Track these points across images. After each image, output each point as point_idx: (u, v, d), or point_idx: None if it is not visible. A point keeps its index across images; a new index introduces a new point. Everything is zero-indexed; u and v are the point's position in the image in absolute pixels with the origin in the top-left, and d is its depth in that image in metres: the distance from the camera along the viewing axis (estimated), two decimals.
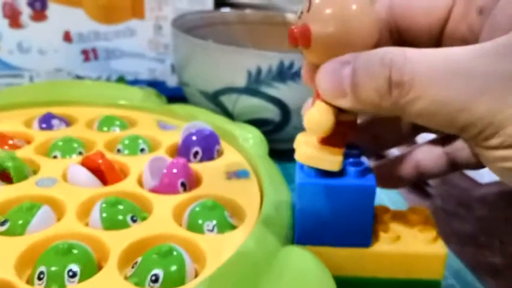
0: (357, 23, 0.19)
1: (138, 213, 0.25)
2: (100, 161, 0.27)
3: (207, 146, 0.31)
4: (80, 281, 0.20)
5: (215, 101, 0.39)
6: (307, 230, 0.22)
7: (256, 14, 0.51)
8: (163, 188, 0.26)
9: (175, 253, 0.21)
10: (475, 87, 0.16)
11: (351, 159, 0.22)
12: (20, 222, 0.23)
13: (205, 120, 0.36)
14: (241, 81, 0.37)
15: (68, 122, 0.36)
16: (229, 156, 0.31)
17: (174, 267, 0.20)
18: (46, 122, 0.34)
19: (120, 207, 0.24)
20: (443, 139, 0.25)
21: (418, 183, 0.39)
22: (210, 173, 0.29)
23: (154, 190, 0.27)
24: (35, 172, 0.28)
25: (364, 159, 0.23)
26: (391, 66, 0.17)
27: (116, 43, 0.50)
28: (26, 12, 0.47)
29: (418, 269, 0.22)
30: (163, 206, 0.25)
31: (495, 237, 0.34)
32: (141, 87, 0.43)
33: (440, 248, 0.22)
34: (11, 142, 0.31)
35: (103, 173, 0.27)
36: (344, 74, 0.18)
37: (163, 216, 0.24)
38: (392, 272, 0.22)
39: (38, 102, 0.37)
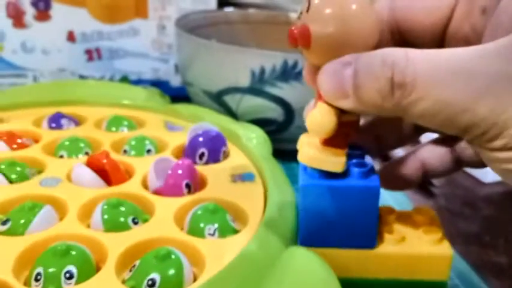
0: (357, 23, 0.18)
1: (140, 215, 0.25)
2: (105, 160, 0.27)
3: (213, 148, 0.30)
4: (77, 282, 0.20)
5: (219, 100, 0.39)
6: (311, 231, 0.22)
7: (259, 14, 0.51)
8: (168, 188, 0.26)
9: (173, 257, 0.20)
10: (477, 88, 0.16)
11: (354, 160, 0.22)
12: (21, 221, 0.23)
13: (209, 120, 0.36)
14: (244, 81, 0.37)
15: (77, 121, 0.36)
16: (235, 158, 0.31)
17: (171, 272, 0.20)
18: (55, 121, 0.35)
19: (122, 209, 0.24)
20: (448, 137, 0.25)
21: (422, 183, 0.39)
22: (215, 176, 0.28)
23: (159, 191, 0.27)
24: (40, 172, 0.28)
25: (367, 159, 0.23)
26: (393, 67, 0.17)
27: (119, 43, 0.50)
28: (29, 12, 0.47)
29: (424, 270, 0.22)
30: (165, 208, 0.25)
31: (500, 236, 0.33)
32: (145, 87, 0.43)
33: (446, 248, 0.22)
34: (19, 141, 0.31)
35: (107, 173, 0.27)
36: (346, 75, 0.18)
37: (164, 219, 0.24)
38: (397, 273, 0.22)
39: (42, 102, 0.37)
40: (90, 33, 0.49)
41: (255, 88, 0.37)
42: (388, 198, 0.36)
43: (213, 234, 0.23)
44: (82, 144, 0.31)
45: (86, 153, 0.31)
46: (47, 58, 0.48)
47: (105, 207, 0.24)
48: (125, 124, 0.35)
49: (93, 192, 0.26)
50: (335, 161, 0.20)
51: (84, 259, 0.21)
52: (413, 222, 0.23)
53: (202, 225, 0.23)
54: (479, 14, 0.20)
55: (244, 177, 0.28)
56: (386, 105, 0.17)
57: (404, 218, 0.24)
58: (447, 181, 0.41)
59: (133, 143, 0.32)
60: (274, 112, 0.38)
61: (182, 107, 0.38)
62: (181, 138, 0.32)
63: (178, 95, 0.46)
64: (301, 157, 0.20)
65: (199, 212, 0.24)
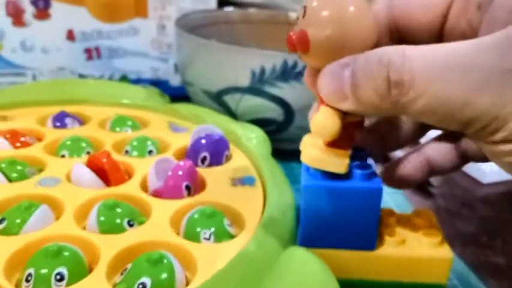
0: (354, 24, 0.19)
1: (136, 217, 0.24)
2: (104, 160, 0.27)
3: (215, 151, 0.30)
4: (68, 285, 0.20)
5: (218, 100, 0.39)
6: (312, 232, 0.22)
7: (259, 13, 0.51)
8: (168, 189, 0.26)
9: (165, 261, 0.20)
10: (474, 82, 0.16)
11: (357, 162, 0.22)
12: (17, 221, 0.23)
13: (208, 119, 0.36)
14: (244, 81, 0.37)
15: (81, 121, 0.36)
16: (236, 161, 0.31)
17: (162, 276, 0.20)
18: (60, 120, 0.35)
19: (118, 210, 0.24)
20: (451, 133, 0.25)
21: (420, 183, 0.39)
22: (215, 179, 0.28)
23: (158, 191, 0.26)
24: (41, 171, 0.28)
25: (370, 161, 0.23)
26: (389, 65, 0.17)
27: (119, 42, 0.50)
28: (29, 10, 0.47)
29: (423, 273, 0.22)
30: (162, 211, 0.25)
31: (498, 237, 0.34)
32: (144, 87, 0.43)
33: (446, 252, 0.22)
34: (22, 139, 0.31)
35: (106, 172, 0.27)
36: (344, 76, 0.18)
37: (160, 222, 0.24)
38: (397, 276, 0.22)
39: (42, 100, 0.37)
40: (90, 32, 0.49)
41: (255, 88, 0.37)
42: (388, 199, 0.36)
43: (208, 239, 0.23)
44: (84, 144, 0.31)
45: (88, 153, 0.31)
46: (46, 57, 0.48)
47: (101, 208, 0.24)
48: (128, 124, 0.35)
49: (91, 193, 0.26)
50: (338, 163, 0.20)
51: (76, 261, 0.21)
52: (413, 225, 0.24)
53: (198, 229, 0.23)
54: (475, 9, 0.20)
55: (244, 181, 0.28)
56: (384, 104, 0.17)
57: (405, 220, 0.24)
58: (445, 181, 0.41)
59: (135, 143, 0.32)
60: (274, 112, 0.38)
61: (182, 107, 0.38)
62: (184, 140, 0.32)
63: (178, 95, 0.46)
64: (304, 157, 0.20)
65: (195, 216, 0.24)
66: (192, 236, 0.23)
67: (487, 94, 0.16)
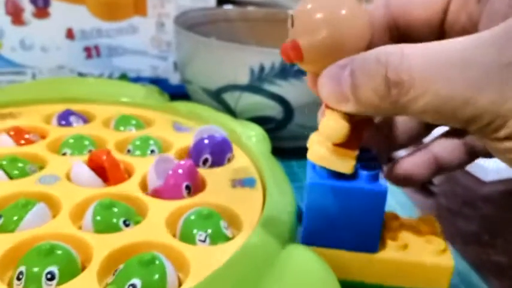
0: (348, 25, 0.19)
1: (132, 217, 0.24)
2: (104, 157, 0.27)
3: (218, 153, 0.30)
4: (58, 284, 0.19)
5: (218, 98, 0.39)
6: (314, 230, 0.22)
7: (258, 11, 0.51)
8: (168, 188, 0.26)
9: (157, 262, 0.20)
10: (474, 79, 0.16)
11: (363, 163, 0.22)
12: (13, 218, 0.23)
13: (208, 117, 0.36)
14: (243, 79, 0.37)
15: (86, 119, 0.36)
16: (238, 162, 0.30)
17: (153, 278, 0.19)
18: (65, 118, 0.35)
19: (114, 210, 0.23)
20: (458, 129, 0.24)
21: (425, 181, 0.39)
22: (215, 180, 0.28)
23: (158, 190, 0.26)
24: (42, 168, 0.28)
25: (377, 163, 0.22)
26: (387, 65, 0.17)
27: (118, 40, 0.50)
28: (28, 9, 0.46)
29: (423, 279, 0.22)
30: (159, 211, 0.24)
31: (499, 236, 0.33)
32: (144, 85, 0.43)
33: (447, 260, 0.22)
34: (27, 136, 0.31)
35: (105, 170, 0.27)
36: (343, 77, 0.18)
37: (155, 223, 0.23)
38: (397, 280, 0.22)
39: (42, 99, 0.37)
40: (89, 31, 0.49)
41: (254, 86, 0.37)
42: (389, 197, 0.36)
43: (204, 241, 0.23)
44: (86, 142, 0.31)
45: (90, 152, 0.31)
46: (45, 55, 0.48)
47: (97, 207, 0.23)
48: (133, 123, 0.35)
49: (88, 192, 0.26)
50: (344, 162, 0.20)
51: (68, 260, 0.20)
52: (417, 231, 0.23)
53: (193, 231, 0.23)
54: (475, 2, 0.20)
55: (244, 183, 0.28)
56: (384, 104, 0.17)
57: (408, 225, 0.24)
58: (447, 180, 0.40)
59: (137, 142, 0.31)
60: (273, 110, 0.37)
61: (181, 105, 0.38)
62: (187, 140, 0.32)
63: (177, 93, 0.46)
64: (310, 155, 0.20)
65: (192, 217, 0.23)
66: (187, 237, 0.23)
67: (487, 91, 0.16)
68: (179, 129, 0.35)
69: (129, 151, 0.31)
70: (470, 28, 0.20)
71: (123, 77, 0.51)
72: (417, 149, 0.25)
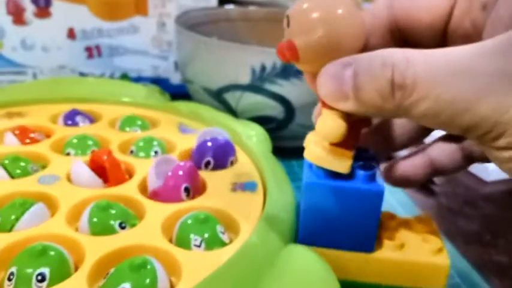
0: (344, 24, 0.18)
1: (129, 219, 0.24)
2: (105, 157, 0.27)
3: (220, 156, 0.29)
4: (48, 285, 0.19)
5: (219, 98, 0.39)
6: (311, 230, 0.22)
7: (260, 11, 0.51)
8: (167, 190, 0.26)
9: (148, 267, 0.20)
10: (477, 87, 0.16)
11: (361, 162, 0.22)
12: (11, 218, 0.22)
13: (208, 117, 0.36)
14: (245, 79, 0.37)
15: (92, 119, 0.36)
16: (241, 165, 0.30)
17: (144, 282, 0.19)
18: (71, 118, 0.35)
19: (111, 211, 0.23)
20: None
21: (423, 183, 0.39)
22: (216, 183, 0.27)
23: (157, 191, 0.26)
24: (44, 168, 0.28)
25: (374, 163, 0.22)
26: (394, 68, 0.17)
27: (119, 40, 0.50)
28: (29, 9, 0.46)
29: (420, 278, 0.22)
30: (156, 214, 0.24)
31: (501, 235, 0.33)
32: (145, 85, 0.43)
33: (443, 259, 0.22)
34: (32, 135, 0.31)
35: (106, 170, 0.27)
36: (345, 76, 0.18)
37: (151, 226, 0.23)
38: (393, 280, 0.22)
39: (41, 99, 0.37)
40: (90, 31, 0.49)
41: (255, 85, 0.37)
42: (390, 197, 0.36)
43: (199, 246, 0.22)
44: (90, 143, 0.31)
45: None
46: (47, 55, 0.48)
47: (94, 209, 0.23)
48: (138, 124, 0.35)
49: (87, 193, 0.25)
50: (341, 162, 0.20)
51: (61, 261, 0.20)
52: (413, 230, 0.23)
53: (190, 235, 0.23)
54: (480, 9, 0.20)
55: (245, 187, 0.27)
56: (387, 106, 0.17)
57: (405, 225, 0.24)
58: (448, 179, 0.40)
59: (141, 144, 0.31)
60: (274, 110, 0.37)
61: (182, 105, 0.38)
62: (191, 142, 0.32)
63: (178, 93, 0.46)
64: (307, 155, 0.20)
65: (188, 222, 0.23)
66: (183, 241, 0.22)
67: (489, 99, 0.16)
68: (184, 131, 0.35)
69: (132, 152, 0.31)
70: (472, 34, 0.20)
71: (124, 76, 0.51)
72: (415, 151, 0.25)
